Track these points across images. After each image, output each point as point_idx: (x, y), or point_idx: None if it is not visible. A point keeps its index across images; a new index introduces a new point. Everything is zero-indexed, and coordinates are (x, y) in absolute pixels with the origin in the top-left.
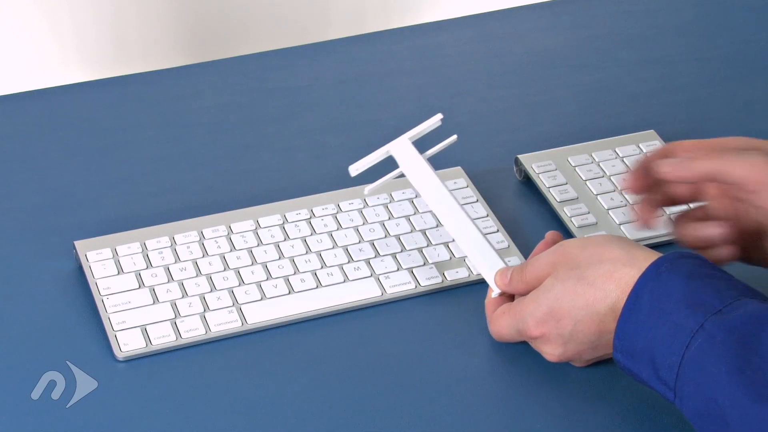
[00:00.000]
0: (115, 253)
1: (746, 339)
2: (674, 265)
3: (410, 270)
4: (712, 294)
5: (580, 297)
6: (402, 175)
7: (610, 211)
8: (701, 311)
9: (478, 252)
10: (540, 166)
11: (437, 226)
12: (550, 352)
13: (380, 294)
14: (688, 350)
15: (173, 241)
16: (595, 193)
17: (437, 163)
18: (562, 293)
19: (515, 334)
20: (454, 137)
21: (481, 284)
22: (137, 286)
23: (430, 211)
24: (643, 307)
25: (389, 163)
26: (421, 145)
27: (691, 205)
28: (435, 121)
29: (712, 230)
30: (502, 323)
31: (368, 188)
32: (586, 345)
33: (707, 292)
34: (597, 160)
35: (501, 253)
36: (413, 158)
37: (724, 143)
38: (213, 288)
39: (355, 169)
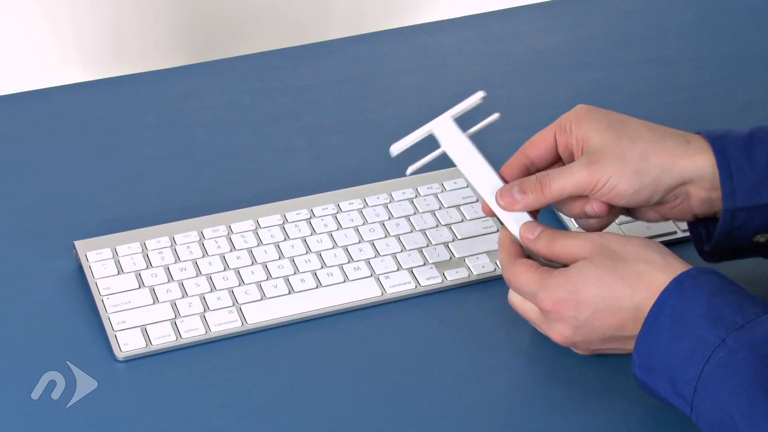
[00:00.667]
0: (115, 253)
1: None
2: (697, 281)
3: (410, 270)
4: (735, 310)
5: (607, 288)
6: (444, 154)
7: None
8: (723, 326)
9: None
10: None
11: (437, 226)
12: (560, 331)
13: (380, 294)
14: (708, 364)
15: (173, 241)
16: None
17: (437, 162)
18: (592, 279)
19: (529, 295)
20: (496, 115)
21: (481, 284)
22: (137, 286)
23: (430, 212)
24: (664, 321)
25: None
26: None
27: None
28: (477, 98)
29: (590, 208)
30: (522, 277)
31: (411, 168)
32: (597, 335)
33: (730, 308)
34: None
35: None
36: (456, 137)
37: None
38: (213, 288)
39: (397, 148)
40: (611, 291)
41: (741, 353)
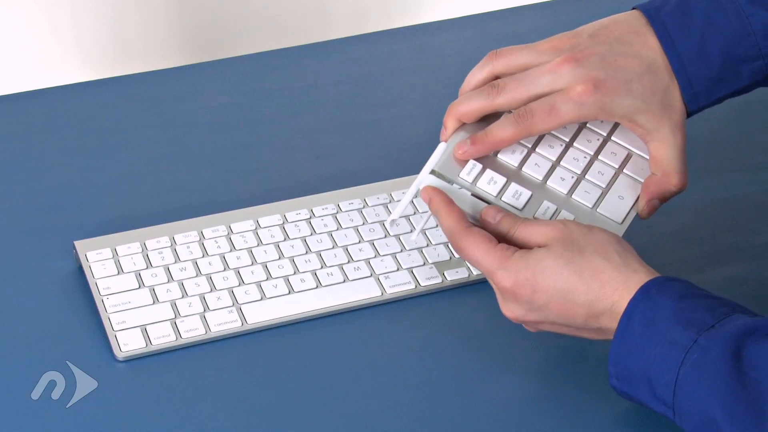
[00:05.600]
0: (115, 253)
1: (741, 352)
2: (663, 287)
3: (410, 270)
4: (704, 311)
5: (563, 280)
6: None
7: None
8: (694, 328)
9: None
10: None
11: (437, 225)
12: (512, 309)
13: (380, 294)
14: (683, 366)
15: (173, 241)
16: None
17: None
18: (550, 269)
19: (483, 268)
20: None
21: (480, 284)
22: (137, 286)
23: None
24: (635, 328)
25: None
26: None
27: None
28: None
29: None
30: (478, 251)
31: (391, 217)
32: (548, 320)
33: (699, 310)
34: None
35: None
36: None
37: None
38: (213, 288)
39: (393, 219)
40: (567, 284)
41: (714, 351)
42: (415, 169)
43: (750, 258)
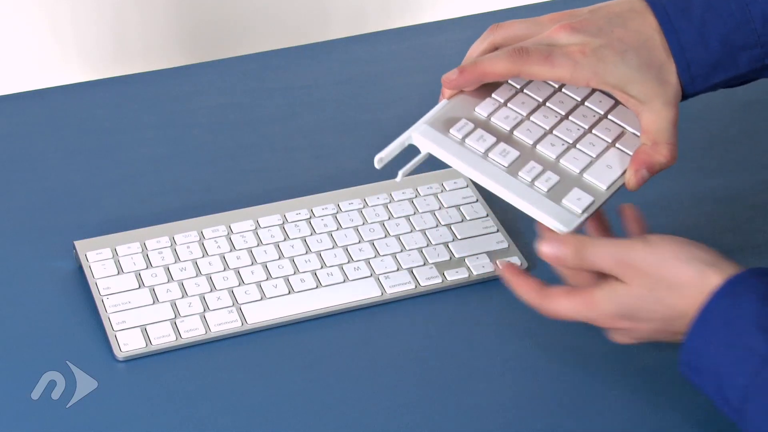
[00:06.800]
0: (115, 253)
1: None
2: (748, 284)
3: (410, 270)
4: None
5: (654, 313)
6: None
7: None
8: None
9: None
10: None
11: (437, 226)
12: (620, 340)
13: (380, 294)
14: (757, 377)
15: (173, 241)
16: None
17: (437, 163)
18: (640, 311)
19: (580, 319)
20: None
21: (481, 284)
22: (137, 286)
23: (430, 212)
24: (714, 324)
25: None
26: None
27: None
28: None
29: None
30: (563, 306)
31: (402, 172)
32: (658, 339)
33: None
34: None
35: (501, 253)
36: (437, 139)
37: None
38: (213, 288)
39: (380, 160)
40: (659, 313)
41: None
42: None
43: (750, 258)
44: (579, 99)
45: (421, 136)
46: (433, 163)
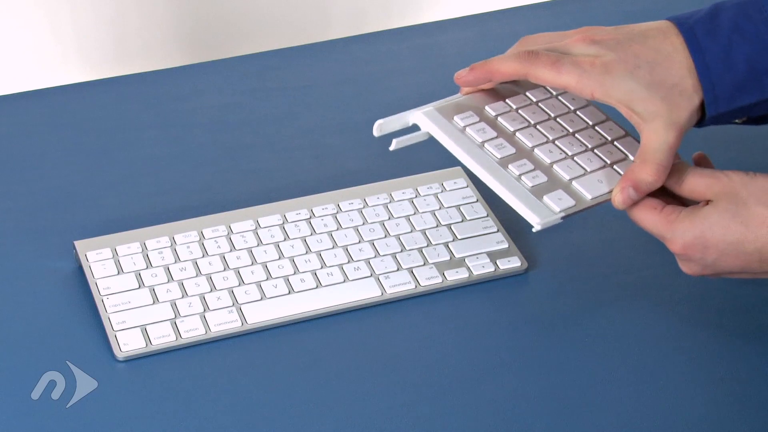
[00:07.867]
0: (115, 253)
1: None
2: None
3: (410, 270)
4: None
5: (731, 233)
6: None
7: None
8: None
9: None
10: None
11: (437, 226)
12: (689, 268)
13: (380, 294)
14: None
15: (173, 241)
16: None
17: (437, 163)
18: (717, 225)
19: (656, 234)
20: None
21: (481, 284)
22: (137, 286)
23: (430, 212)
24: None
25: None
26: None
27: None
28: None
29: None
30: (649, 219)
31: (395, 142)
32: (726, 272)
33: None
34: None
35: (501, 252)
36: (441, 123)
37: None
38: (213, 288)
39: (379, 128)
40: (735, 236)
41: None
42: (415, 170)
43: None
44: (591, 123)
45: (424, 116)
46: (433, 163)
